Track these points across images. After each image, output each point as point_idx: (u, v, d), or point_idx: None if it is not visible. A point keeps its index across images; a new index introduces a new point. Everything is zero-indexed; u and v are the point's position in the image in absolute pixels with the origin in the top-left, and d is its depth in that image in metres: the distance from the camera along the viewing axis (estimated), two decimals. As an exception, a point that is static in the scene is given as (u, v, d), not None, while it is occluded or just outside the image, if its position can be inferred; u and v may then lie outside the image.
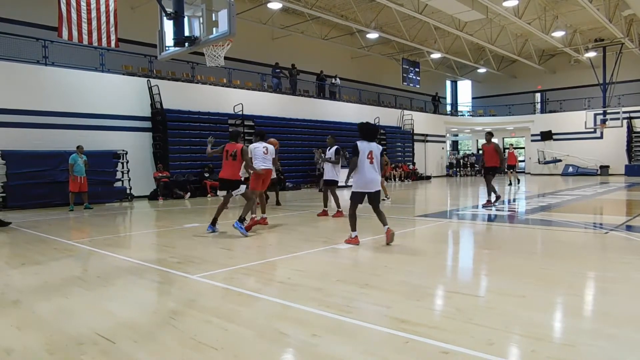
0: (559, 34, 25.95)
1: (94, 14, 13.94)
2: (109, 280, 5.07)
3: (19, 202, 13.19)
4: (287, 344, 3.22)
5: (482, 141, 39.70)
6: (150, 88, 17.21)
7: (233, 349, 3.11)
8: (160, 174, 16.41)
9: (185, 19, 7.00)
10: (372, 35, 26.06)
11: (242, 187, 8.24)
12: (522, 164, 34.44)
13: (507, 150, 22.22)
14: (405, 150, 29.06)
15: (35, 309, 4.08)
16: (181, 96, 18.15)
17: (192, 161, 18.00)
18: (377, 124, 26.91)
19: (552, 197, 14.39)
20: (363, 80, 30.74)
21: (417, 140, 30.60)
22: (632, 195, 15.44)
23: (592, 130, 29.48)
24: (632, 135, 29.58)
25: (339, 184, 10.87)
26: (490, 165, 12.00)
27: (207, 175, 17.59)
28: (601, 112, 28.76)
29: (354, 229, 6.83)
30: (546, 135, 32.37)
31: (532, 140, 33.48)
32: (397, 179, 26.45)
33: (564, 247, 6.67)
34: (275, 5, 21.20)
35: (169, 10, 6.88)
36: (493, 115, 35.57)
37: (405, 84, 28.76)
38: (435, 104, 34.61)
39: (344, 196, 16.61)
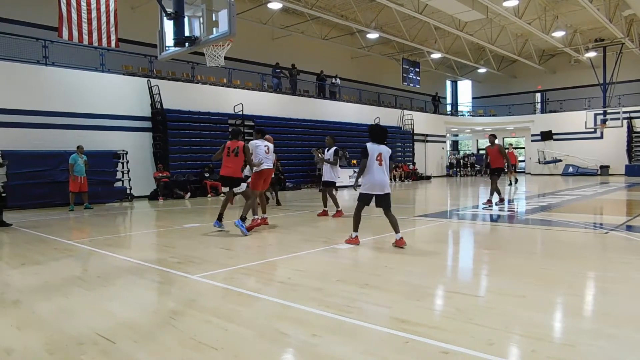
0: (559, 34, 25.94)
1: (94, 14, 13.95)
2: (109, 280, 5.07)
3: (19, 202, 13.19)
4: (287, 344, 3.22)
5: (483, 141, 39.81)
6: (150, 88, 17.22)
7: (233, 349, 3.11)
8: (160, 174, 16.41)
9: (186, 19, 7.00)
10: (372, 35, 26.05)
11: (243, 185, 8.24)
12: (522, 164, 34.44)
13: (506, 150, 22.30)
14: (406, 150, 29.06)
15: (36, 309, 4.08)
16: (181, 96, 18.16)
17: (192, 161, 18.01)
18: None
19: (552, 197, 14.39)
20: (363, 80, 30.74)
21: (417, 140, 30.60)
22: (632, 195, 15.43)
23: (592, 130, 29.47)
24: (632, 135, 29.57)
25: (337, 184, 10.86)
26: (496, 166, 12.12)
27: (207, 175, 17.59)
28: (601, 112, 28.75)
29: (355, 229, 6.81)
30: (546, 135, 32.36)
31: (532, 140, 33.48)
32: (397, 179, 26.46)
33: (564, 247, 6.67)
34: (275, 5, 21.20)
35: (169, 10, 6.88)
36: (493, 115, 35.56)
37: (406, 84, 28.75)
38: (435, 104, 34.61)
39: (344, 196, 16.67)
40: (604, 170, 29.73)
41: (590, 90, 31.19)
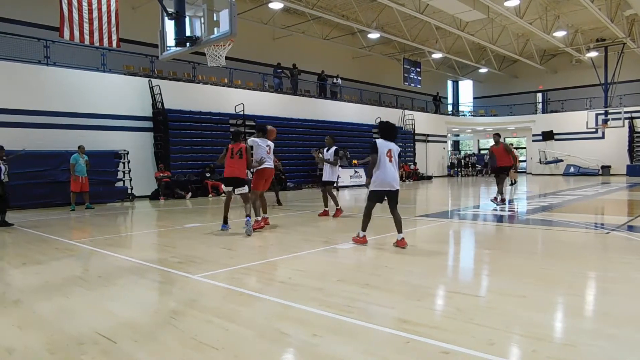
0: (560, 33, 25.91)
1: (95, 14, 13.96)
2: (110, 280, 5.08)
3: (20, 202, 13.20)
4: (287, 344, 3.22)
5: (484, 141, 39.78)
6: (151, 88, 17.23)
7: (234, 349, 3.11)
8: (161, 174, 16.42)
9: (187, 19, 7.00)
10: (373, 35, 26.05)
11: (245, 188, 8.26)
12: (523, 164, 34.40)
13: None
14: (407, 150, 29.05)
15: (36, 309, 4.09)
16: (182, 96, 18.17)
17: (193, 161, 18.02)
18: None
19: (554, 197, 14.38)
20: (364, 80, 30.74)
21: (419, 141, 30.60)
22: (633, 195, 15.41)
23: (594, 130, 29.42)
24: (633, 135, 29.54)
25: (339, 185, 10.86)
26: (503, 165, 12.13)
27: (208, 175, 17.61)
28: (603, 112, 28.69)
29: (364, 228, 6.74)
30: (547, 135, 32.33)
31: (534, 141, 33.46)
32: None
33: (564, 247, 6.67)
34: (276, 5, 21.21)
35: (170, 10, 6.88)
36: (494, 115, 35.54)
37: (407, 84, 28.74)
38: (436, 104, 34.60)
39: (345, 196, 16.67)
40: (606, 170, 29.70)
41: (592, 90, 31.16)
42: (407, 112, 30.10)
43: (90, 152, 13.96)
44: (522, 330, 3.34)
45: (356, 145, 24.55)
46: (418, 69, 29.31)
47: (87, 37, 13.89)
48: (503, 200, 12.40)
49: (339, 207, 10.24)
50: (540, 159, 32.50)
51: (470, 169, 34.15)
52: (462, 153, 38.86)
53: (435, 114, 33.81)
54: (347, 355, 2.96)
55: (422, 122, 30.88)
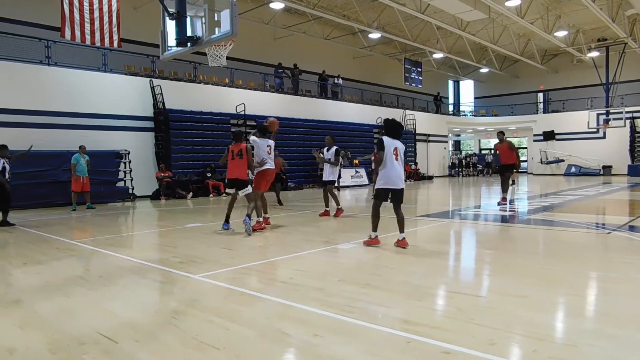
0: (561, 33, 25.88)
1: (96, 14, 13.98)
2: (111, 280, 5.08)
3: (22, 201, 13.22)
4: (288, 344, 3.22)
5: (485, 141, 39.76)
6: (152, 88, 17.25)
7: (235, 349, 3.11)
8: (162, 174, 16.43)
9: (188, 19, 7.00)
10: (374, 35, 26.05)
11: (249, 188, 8.25)
12: (524, 164, 34.38)
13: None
14: (408, 150, 29.01)
15: (37, 309, 4.09)
16: (183, 96, 18.18)
17: (194, 161, 18.03)
18: (380, 124, 26.94)
19: (555, 197, 14.36)
20: (365, 80, 30.73)
21: (419, 140, 30.58)
22: (634, 195, 15.39)
23: (595, 130, 29.40)
24: (635, 135, 29.49)
25: (340, 185, 10.86)
26: (508, 162, 12.15)
27: (209, 175, 17.61)
28: (604, 112, 28.66)
29: (375, 229, 6.63)
30: (549, 135, 32.30)
31: (535, 140, 33.41)
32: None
33: (566, 247, 6.66)
34: (277, 5, 21.21)
35: (171, 10, 6.88)
36: (495, 115, 35.51)
37: (408, 83, 28.74)
38: (437, 104, 34.57)
39: (346, 196, 16.67)
40: (607, 170, 29.66)
41: (593, 90, 31.12)
42: (408, 112, 30.09)
43: (92, 152, 13.98)
44: (523, 330, 3.34)
45: (357, 145, 24.55)
46: (419, 69, 29.31)
47: (88, 37, 13.91)
48: (504, 199, 12.41)
49: (339, 207, 10.24)
50: (541, 159, 32.47)
51: (471, 169, 34.12)
52: (463, 153, 38.84)
53: (436, 114, 33.79)
54: (348, 355, 2.96)
55: (423, 122, 30.87)
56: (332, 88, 26.43)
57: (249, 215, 7.93)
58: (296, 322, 3.63)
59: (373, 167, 16.04)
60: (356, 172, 22.99)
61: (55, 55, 15.41)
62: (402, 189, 6.51)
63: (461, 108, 40.05)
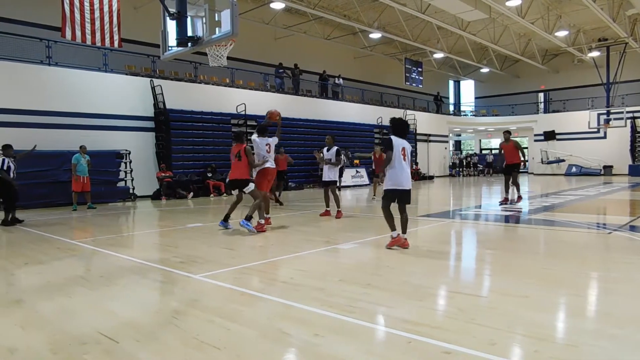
0: (562, 33, 25.87)
1: (97, 14, 13.99)
2: (112, 279, 5.08)
3: (22, 201, 13.18)
4: (289, 344, 3.22)
5: (486, 141, 39.77)
6: (153, 88, 17.25)
7: (235, 349, 3.11)
8: (163, 174, 16.44)
9: (188, 19, 7.01)
10: (375, 35, 26.04)
11: (252, 185, 8.24)
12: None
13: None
14: (408, 150, 29.01)
15: (39, 309, 4.10)
16: (184, 96, 18.18)
17: (194, 161, 18.04)
18: (380, 124, 26.95)
19: (555, 197, 14.36)
20: (366, 80, 30.73)
21: (420, 140, 30.56)
22: (635, 195, 15.38)
23: (596, 130, 29.39)
24: (635, 135, 29.47)
25: (341, 185, 10.84)
26: (513, 162, 12.16)
27: (209, 175, 17.62)
28: (605, 112, 28.66)
29: (393, 228, 6.45)
30: (549, 135, 32.28)
31: (535, 140, 33.40)
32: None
33: (566, 247, 6.66)
34: (277, 5, 21.21)
35: (172, 10, 6.88)
36: (496, 115, 35.50)
37: (408, 83, 28.74)
38: (437, 104, 34.56)
39: (347, 196, 16.67)
40: (607, 170, 29.65)
41: (594, 90, 31.11)
42: (408, 112, 30.05)
43: (92, 152, 13.99)
44: (524, 330, 3.33)
45: (358, 145, 24.55)
46: (420, 69, 29.30)
47: (88, 37, 13.92)
48: (506, 199, 12.42)
49: (339, 209, 10.19)
50: (542, 159, 32.45)
51: (471, 168, 34.12)
52: (464, 153, 38.82)
53: (436, 114, 33.78)
54: (349, 355, 2.96)
55: (423, 122, 30.86)
56: (332, 88, 26.42)
57: (248, 217, 7.91)
58: (297, 322, 3.63)
59: (374, 166, 16.06)
60: (357, 172, 23.00)
61: (56, 55, 15.42)
62: (409, 190, 6.44)
63: (462, 108, 40.04)
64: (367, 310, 3.87)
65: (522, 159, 12.12)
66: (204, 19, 6.83)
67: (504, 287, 4.54)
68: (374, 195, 14.74)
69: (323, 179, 10.62)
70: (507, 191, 12.54)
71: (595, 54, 29.37)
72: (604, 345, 3.09)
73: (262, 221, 8.35)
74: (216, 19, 6.67)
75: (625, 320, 3.56)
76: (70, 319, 3.81)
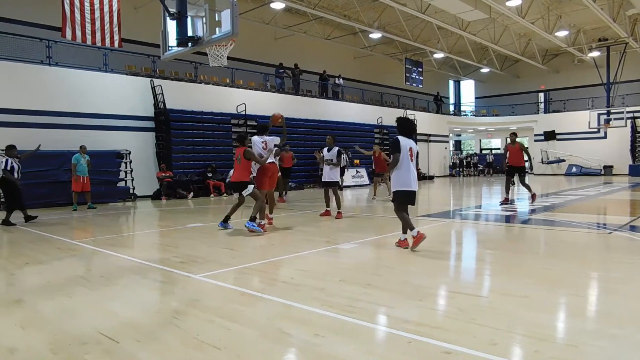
0: (562, 33, 25.87)
1: (97, 14, 13.99)
2: (112, 279, 5.08)
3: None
4: (289, 344, 3.22)
5: (486, 141, 39.75)
6: (153, 88, 17.25)
7: (235, 349, 3.11)
8: (163, 174, 16.44)
9: (189, 19, 7.00)
10: (375, 35, 26.04)
11: (250, 187, 8.22)
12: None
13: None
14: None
15: (39, 309, 4.10)
16: (184, 96, 18.18)
17: (195, 161, 18.04)
18: (380, 124, 26.95)
19: (556, 197, 14.36)
20: (366, 80, 30.73)
21: (420, 140, 30.54)
22: (636, 195, 15.37)
23: (596, 130, 29.37)
24: (636, 135, 29.46)
25: (341, 185, 10.83)
26: (518, 164, 12.18)
27: (210, 175, 17.63)
28: (605, 112, 28.65)
29: (412, 227, 6.31)
30: (549, 135, 32.28)
31: (536, 140, 33.38)
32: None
33: (567, 247, 6.65)
34: (278, 5, 21.22)
35: (172, 10, 6.88)
36: (496, 115, 35.49)
37: (408, 83, 28.74)
38: (437, 104, 34.55)
39: (347, 196, 16.67)
40: (608, 170, 29.64)
41: (594, 90, 31.11)
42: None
43: (93, 152, 13.99)
44: (524, 330, 3.33)
45: (358, 145, 24.51)
46: (420, 69, 29.30)
47: (89, 37, 13.93)
48: (506, 200, 12.44)
49: (340, 210, 10.18)
50: (542, 159, 32.44)
51: (472, 169, 34.11)
52: (464, 153, 38.82)
53: (437, 114, 33.77)
54: (349, 355, 2.96)
55: (423, 122, 30.80)
56: (332, 88, 26.43)
57: (252, 218, 7.93)
58: (297, 322, 3.63)
59: (374, 166, 16.05)
60: (357, 172, 22.99)
61: (56, 55, 15.42)
62: (415, 192, 6.40)
63: (462, 108, 40.03)
64: (367, 310, 3.87)
65: (527, 162, 12.14)
66: (204, 19, 6.83)
67: (504, 287, 4.54)
68: (374, 195, 14.75)
69: (323, 179, 10.60)
70: (507, 192, 12.55)
71: (595, 54, 29.36)
72: (604, 345, 3.09)
73: (264, 222, 8.35)
74: (216, 19, 6.66)
75: (625, 320, 3.56)
76: (71, 319, 3.81)
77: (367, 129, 26.21)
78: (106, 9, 14.13)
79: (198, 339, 3.27)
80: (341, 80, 26.93)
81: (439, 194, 18.58)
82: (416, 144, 6.54)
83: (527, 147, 13.26)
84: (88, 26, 13.82)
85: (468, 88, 41.00)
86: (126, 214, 12.80)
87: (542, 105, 35.87)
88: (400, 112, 29.27)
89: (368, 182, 22.75)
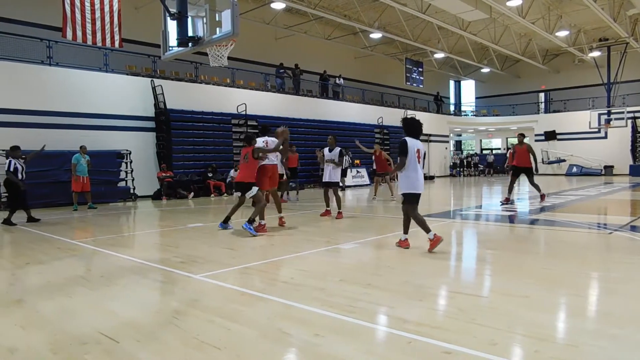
0: (563, 33, 25.86)
1: (98, 14, 14.00)
2: (113, 279, 5.08)
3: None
4: (289, 344, 3.22)
5: (486, 141, 39.74)
6: (153, 88, 17.26)
7: (236, 349, 3.11)
8: (163, 174, 16.45)
9: (189, 19, 7.00)
10: (376, 35, 26.04)
11: (254, 189, 8.21)
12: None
13: (509, 150, 22.38)
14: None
15: (39, 309, 4.10)
16: (185, 96, 18.19)
17: (195, 161, 18.05)
18: (381, 124, 26.95)
19: (556, 197, 14.35)
20: (366, 80, 30.73)
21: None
22: (636, 195, 15.36)
23: (597, 130, 29.36)
24: (636, 135, 29.45)
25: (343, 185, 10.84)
26: (524, 165, 12.16)
27: (210, 175, 17.63)
28: (605, 112, 28.64)
29: (428, 230, 6.25)
30: (550, 135, 32.27)
31: (536, 140, 33.34)
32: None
33: (567, 247, 6.65)
34: (278, 5, 21.22)
35: (173, 10, 6.88)
36: (497, 115, 35.48)
37: (409, 83, 28.74)
38: (437, 104, 34.54)
39: (348, 196, 16.66)
40: (608, 170, 29.63)
41: (594, 90, 31.10)
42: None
43: (93, 152, 14.00)
44: (525, 330, 3.33)
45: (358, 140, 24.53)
46: (420, 69, 29.30)
47: (89, 37, 13.94)
48: (507, 199, 12.43)
49: (340, 211, 10.18)
50: (542, 159, 32.38)
51: (472, 169, 34.10)
52: (465, 153, 38.81)
53: (437, 114, 33.75)
54: (349, 355, 2.96)
55: (424, 122, 29.72)
56: (333, 88, 26.43)
57: (250, 221, 7.91)
58: (297, 322, 3.63)
59: (374, 166, 16.04)
60: (357, 172, 22.98)
61: (57, 55, 15.43)
62: (420, 194, 6.40)
63: (462, 108, 40.02)
64: (367, 310, 3.87)
65: (533, 164, 12.13)
66: (204, 19, 6.83)
67: (504, 287, 4.54)
68: (375, 195, 14.74)
69: (324, 180, 10.60)
70: (510, 191, 12.53)
71: (596, 54, 29.35)
72: (604, 345, 3.09)
73: (263, 222, 8.35)
74: (217, 19, 6.66)
75: (625, 320, 3.56)
76: (71, 318, 3.81)
77: (367, 129, 26.21)
78: (107, 9, 14.14)
79: (198, 339, 3.28)
80: (341, 80, 26.93)
81: (440, 194, 18.56)
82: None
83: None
84: (88, 26, 13.83)
85: (468, 88, 40.99)
86: (126, 214, 12.80)
87: (542, 105, 35.86)
88: (400, 112, 29.27)
89: (368, 182, 22.75)
